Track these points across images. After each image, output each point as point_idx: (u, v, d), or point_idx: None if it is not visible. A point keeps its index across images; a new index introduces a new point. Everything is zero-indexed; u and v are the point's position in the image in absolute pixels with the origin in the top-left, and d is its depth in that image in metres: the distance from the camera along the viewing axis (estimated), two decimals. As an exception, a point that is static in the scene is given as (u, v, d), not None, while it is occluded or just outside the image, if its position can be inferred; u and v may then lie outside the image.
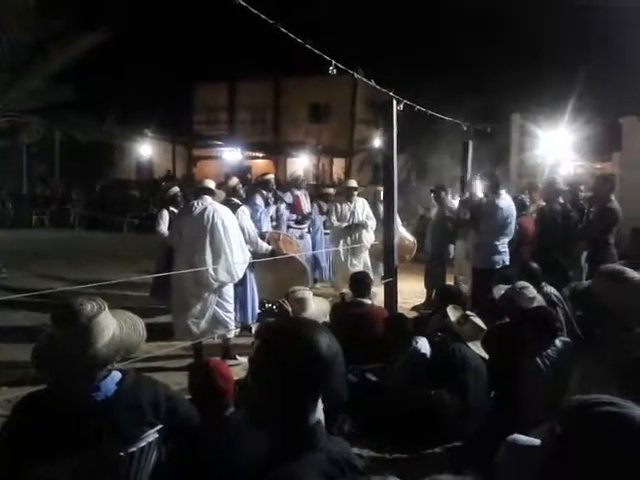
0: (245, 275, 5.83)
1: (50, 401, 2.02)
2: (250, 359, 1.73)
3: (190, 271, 5.06)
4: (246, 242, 5.72)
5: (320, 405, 1.57)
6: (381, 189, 9.18)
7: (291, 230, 8.03)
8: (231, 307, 5.53)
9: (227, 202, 5.90)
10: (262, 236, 6.82)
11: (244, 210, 6.15)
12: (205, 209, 5.29)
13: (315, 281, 8.70)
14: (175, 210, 6.81)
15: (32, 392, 2.09)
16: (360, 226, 7.96)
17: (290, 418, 1.46)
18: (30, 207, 19.50)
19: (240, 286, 5.92)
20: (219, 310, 5.38)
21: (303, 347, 1.45)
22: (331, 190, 10.07)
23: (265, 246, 6.16)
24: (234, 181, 6.92)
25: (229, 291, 5.50)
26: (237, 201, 6.18)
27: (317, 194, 10.85)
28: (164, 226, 6.69)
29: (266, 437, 1.50)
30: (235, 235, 5.38)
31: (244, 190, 7.20)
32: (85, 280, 5.37)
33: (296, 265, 6.45)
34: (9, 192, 20.19)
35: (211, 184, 5.66)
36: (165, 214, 6.79)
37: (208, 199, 5.40)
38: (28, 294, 4.02)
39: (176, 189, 7.38)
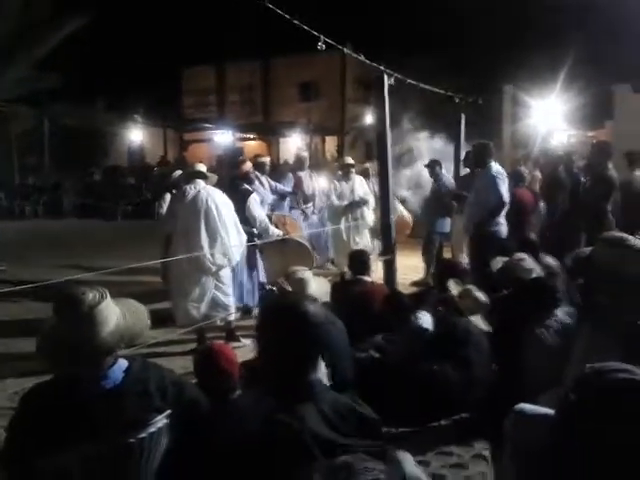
0: (245, 257, 5.83)
1: (57, 391, 2.02)
2: (255, 329, 2.00)
3: (187, 256, 5.04)
4: (257, 230, 5.73)
5: (322, 367, 2.10)
6: (369, 165, 9.20)
7: (294, 211, 8.01)
8: (229, 290, 5.54)
9: (236, 187, 5.88)
10: (269, 217, 6.81)
11: (255, 198, 6.11)
12: (198, 193, 5.28)
13: (332, 262, 8.68)
14: None
15: (39, 383, 2.09)
16: (361, 203, 7.94)
17: (293, 374, 1.80)
18: (22, 198, 19.38)
19: (238, 268, 5.92)
20: (218, 293, 5.40)
21: (296, 314, 1.77)
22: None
23: (277, 232, 6.15)
24: (247, 165, 6.76)
25: (227, 274, 5.51)
26: (248, 187, 6.14)
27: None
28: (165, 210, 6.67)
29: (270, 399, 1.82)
30: (229, 217, 5.38)
31: (254, 175, 7.08)
32: (84, 268, 5.40)
33: (303, 249, 6.47)
34: (0, 183, 20.05)
35: (202, 167, 5.64)
36: (168, 198, 6.77)
37: (201, 183, 5.38)
38: (29, 286, 4.00)
39: (179, 172, 7.32)
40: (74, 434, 1.96)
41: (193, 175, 5.46)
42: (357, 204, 7.95)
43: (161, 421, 2.16)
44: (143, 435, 2.09)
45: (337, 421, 1.81)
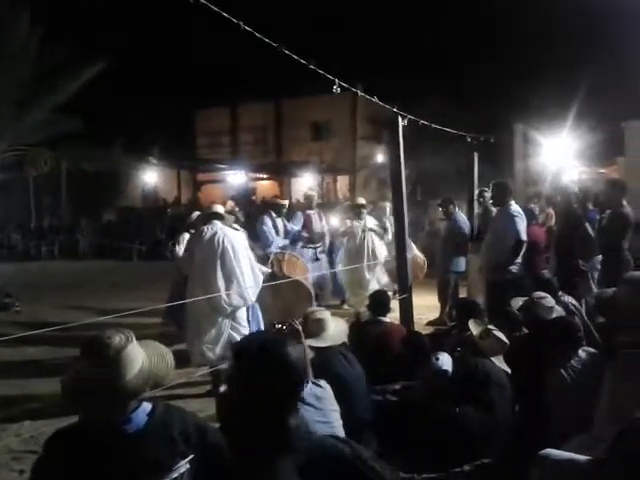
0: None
1: (81, 436, 2.01)
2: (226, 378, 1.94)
3: (203, 298, 5.05)
4: None
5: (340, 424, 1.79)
6: (387, 204, 9.23)
7: (304, 251, 8.01)
8: (246, 330, 5.50)
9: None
10: (268, 257, 6.83)
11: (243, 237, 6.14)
12: (215, 234, 5.29)
13: (342, 302, 8.65)
14: None
15: (62, 427, 2.09)
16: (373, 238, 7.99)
17: (266, 422, 1.66)
18: (38, 239, 19.60)
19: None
20: (234, 334, 5.36)
21: (272, 355, 1.67)
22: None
23: (263, 269, 6.13)
24: (229, 204, 6.90)
25: (243, 314, 5.48)
26: (237, 227, 6.19)
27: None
28: (182, 249, 6.70)
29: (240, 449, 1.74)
30: (245, 258, 5.38)
31: (251, 212, 7.23)
32: (99, 310, 5.43)
33: (298, 287, 6.42)
34: (17, 225, 20.33)
35: (220, 209, 5.68)
36: (186, 237, 6.80)
37: (217, 224, 5.40)
38: (45, 329, 4.03)
39: (198, 213, 7.36)
40: (97, 479, 1.95)
41: (210, 216, 5.51)
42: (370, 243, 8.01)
43: (184, 466, 2.14)
44: (166, 480, 2.07)
45: (314, 474, 1.69)
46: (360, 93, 6.66)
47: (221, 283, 5.18)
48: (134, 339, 2.09)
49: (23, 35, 11.27)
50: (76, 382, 2.05)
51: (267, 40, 5.01)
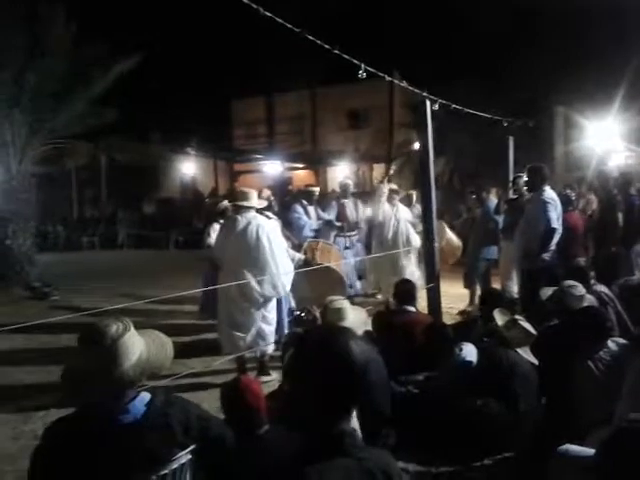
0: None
1: (78, 425, 2.00)
2: (284, 369, 1.77)
3: (235, 284, 5.01)
4: None
5: (354, 416, 1.68)
6: (414, 192, 9.07)
7: (338, 239, 7.96)
8: (274, 320, 5.48)
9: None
10: (301, 245, 6.79)
11: (277, 225, 6.09)
12: (249, 223, 5.24)
13: (378, 291, 8.58)
14: None
15: (61, 417, 2.08)
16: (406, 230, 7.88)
17: (323, 424, 1.51)
18: (80, 230, 20.07)
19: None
20: (263, 325, 5.33)
21: (336, 354, 1.51)
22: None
23: (297, 256, 6.09)
24: (266, 193, 6.88)
25: (273, 304, 5.45)
26: (271, 215, 6.14)
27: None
28: (213, 239, 6.71)
29: (294, 447, 1.56)
30: (279, 248, 5.31)
31: (286, 200, 7.22)
32: (135, 297, 5.49)
33: (331, 274, 6.35)
34: (60, 217, 20.86)
35: (254, 195, 5.48)
36: (216, 227, 6.81)
37: (251, 212, 5.35)
38: (76, 314, 4.07)
39: (226, 203, 7.37)
40: (93, 470, 1.93)
41: (243, 205, 5.37)
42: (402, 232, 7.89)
43: (184, 457, 2.10)
44: (165, 471, 2.04)
45: None
46: (387, 78, 6.50)
47: (254, 273, 5.13)
48: (132, 327, 2.06)
49: (59, 28, 11.45)
50: (73, 370, 2.04)
51: (289, 25, 4.94)
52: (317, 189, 8.42)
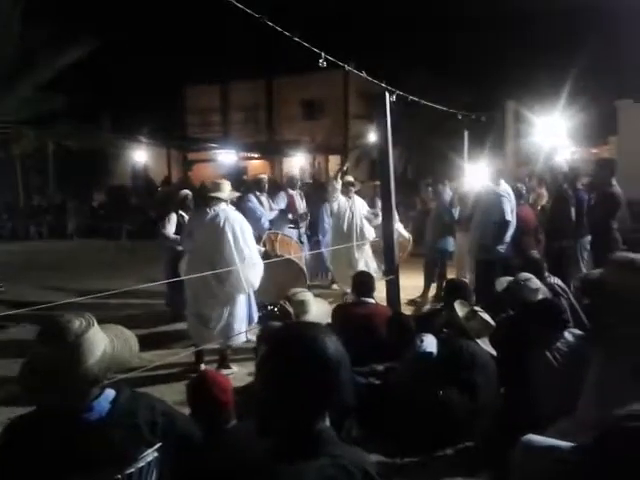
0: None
1: (40, 424, 1.92)
2: (257, 365, 1.72)
3: (198, 276, 4.92)
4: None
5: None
6: (377, 184, 9.12)
7: (287, 230, 7.93)
8: (243, 316, 5.39)
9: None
10: (260, 237, 6.73)
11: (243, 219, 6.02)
12: (217, 216, 5.14)
13: (332, 283, 8.60)
14: (183, 214, 6.77)
15: (23, 414, 1.99)
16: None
17: (298, 423, 1.48)
18: (27, 219, 19.38)
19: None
20: (231, 320, 5.24)
21: (312, 352, 1.48)
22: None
23: (257, 248, 6.04)
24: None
25: (242, 299, 5.37)
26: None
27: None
28: (171, 229, 6.61)
29: (268, 446, 1.51)
30: (247, 243, 5.21)
31: (241, 190, 7.16)
32: (86, 290, 5.32)
33: (292, 266, 6.34)
34: (5, 204, 20.08)
35: (227, 186, 5.37)
36: (173, 217, 6.70)
37: (221, 205, 5.24)
38: (28, 309, 3.91)
39: (186, 192, 7.24)
40: (57, 470, 1.86)
41: (213, 198, 5.24)
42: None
43: (151, 455, 2.05)
44: (131, 470, 1.99)
45: None
46: (348, 68, 6.50)
47: (218, 268, 5.04)
48: (95, 323, 1.99)
49: (4, 12, 10.97)
50: (33, 367, 1.96)
51: (249, 11, 4.86)
52: (265, 176, 8.34)
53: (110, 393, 2.00)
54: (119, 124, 20.49)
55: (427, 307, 7.46)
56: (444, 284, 5.93)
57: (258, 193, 7.63)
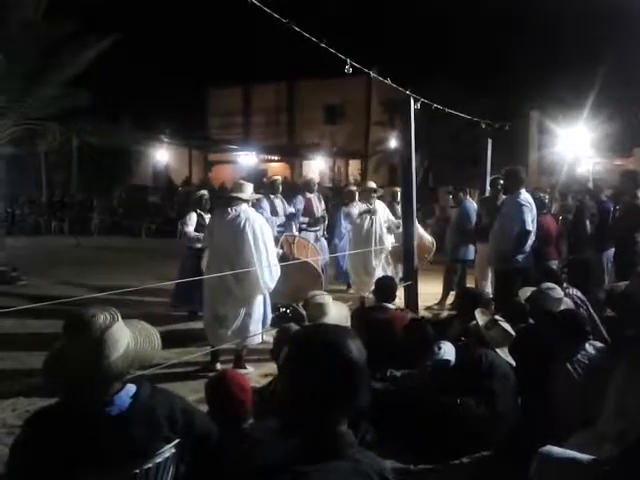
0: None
1: (62, 417, 1.93)
2: (280, 366, 1.72)
3: (217, 276, 4.94)
4: None
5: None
6: (398, 190, 9.09)
7: (304, 233, 7.91)
8: (260, 316, 5.40)
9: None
10: (277, 239, 6.73)
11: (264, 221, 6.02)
12: (237, 216, 5.15)
13: (348, 286, 8.58)
14: (202, 213, 6.88)
15: (44, 406, 2.02)
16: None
17: (322, 425, 1.47)
18: (49, 214, 19.65)
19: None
20: (248, 320, 5.26)
21: (338, 355, 1.46)
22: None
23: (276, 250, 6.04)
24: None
25: (259, 299, 5.37)
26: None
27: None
28: (191, 227, 6.76)
29: (289, 447, 1.51)
30: (266, 245, 5.22)
31: (261, 192, 7.13)
32: (105, 287, 5.38)
33: (309, 269, 6.35)
34: (28, 199, 20.36)
35: (249, 188, 5.38)
36: (193, 216, 6.84)
37: (242, 206, 5.25)
38: (48, 302, 3.96)
39: (204, 192, 7.36)
40: (77, 463, 1.87)
41: (234, 198, 5.26)
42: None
43: (169, 451, 2.06)
44: (149, 465, 2.00)
45: None
46: (372, 74, 6.50)
47: (236, 268, 5.05)
48: (120, 318, 2.01)
49: (28, 8, 11.13)
50: (58, 360, 1.98)
51: (276, 16, 4.89)
52: (279, 178, 8.33)
53: (131, 388, 2.01)
54: (142, 123, 20.68)
55: (444, 314, 7.42)
56: (457, 293, 5.90)
57: (272, 196, 7.60)
